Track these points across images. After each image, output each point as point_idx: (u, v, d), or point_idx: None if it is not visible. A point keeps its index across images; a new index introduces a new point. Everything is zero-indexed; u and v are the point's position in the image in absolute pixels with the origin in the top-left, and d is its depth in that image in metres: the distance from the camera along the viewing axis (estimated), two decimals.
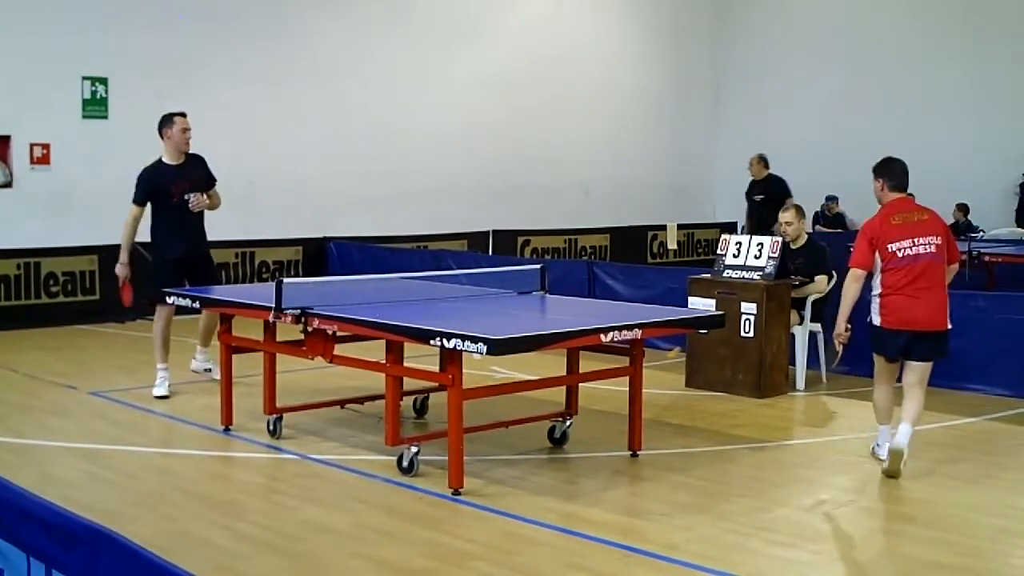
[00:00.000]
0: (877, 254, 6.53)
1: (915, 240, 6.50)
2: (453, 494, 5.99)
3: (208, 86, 13.47)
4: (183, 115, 8.67)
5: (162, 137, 8.64)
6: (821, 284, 9.15)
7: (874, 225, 6.62)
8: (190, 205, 8.57)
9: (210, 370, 8.91)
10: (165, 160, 8.64)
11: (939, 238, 6.58)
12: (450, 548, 5.27)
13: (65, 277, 12.22)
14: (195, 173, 8.68)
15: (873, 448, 6.87)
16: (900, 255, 6.47)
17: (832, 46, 18.90)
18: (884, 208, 6.67)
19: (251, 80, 13.87)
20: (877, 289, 6.55)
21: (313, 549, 5.24)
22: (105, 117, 12.74)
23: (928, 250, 6.49)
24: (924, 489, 6.40)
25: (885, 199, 6.69)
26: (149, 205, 8.62)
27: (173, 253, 8.53)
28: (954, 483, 6.53)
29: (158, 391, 8.46)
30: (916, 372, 6.62)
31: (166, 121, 8.63)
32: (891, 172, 6.69)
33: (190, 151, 8.67)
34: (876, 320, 6.53)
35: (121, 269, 8.61)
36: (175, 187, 8.57)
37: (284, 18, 14.30)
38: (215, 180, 8.88)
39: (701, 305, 8.68)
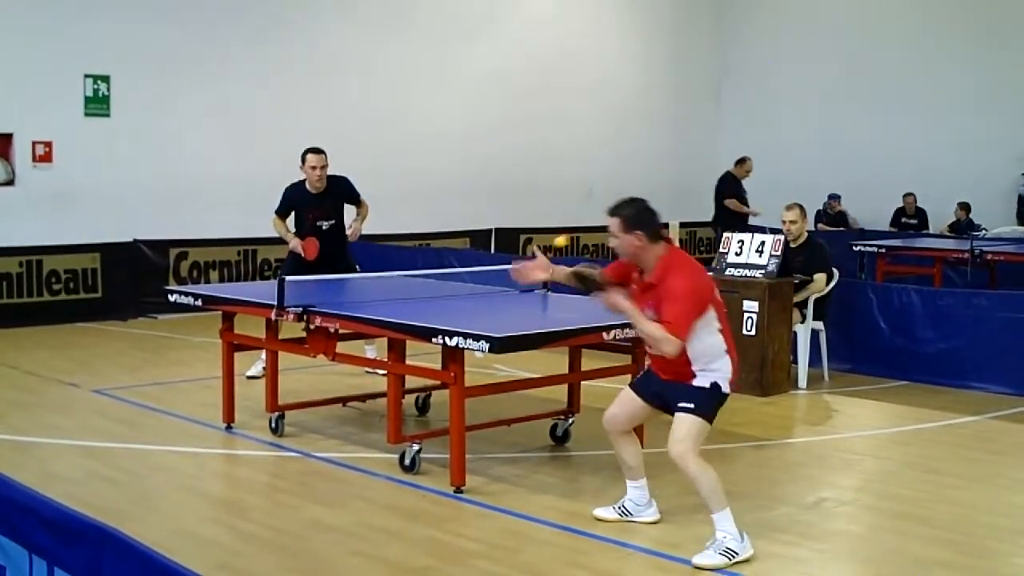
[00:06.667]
0: (711, 309, 5.15)
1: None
2: (455, 492, 5.99)
3: (210, 84, 13.47)
4: (317, 152, 8.77)
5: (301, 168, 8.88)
6: (820, 283, 9.14)
7: (703, 278, 5.26)
8: (349, 238, 9.02)
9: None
10: (307, 185, 8.86)
11: None
12: (452, 546, 5.27)
13: (67, 275, 12.22)
14: (331, 201, 8.91)
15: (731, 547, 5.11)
16: (722, 301, 5.32)
17: (833, 44, 18.88)
18: (675, 256, 5.22)
19: (253, 79, 13.86)
20: (718, 349, 5.18)
21: (315, 547, 5.24)
22: (107, 115, 12.73)
23: None
24: (926, 488, 6.40)
25: (653, 254, 5.16)
26: (292, 218, 8.98)
27: (303, 270, 8.54)
28: (956, 482, 6.54)
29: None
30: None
31: (302, 157, 8.82)
32: (649, 220, 5.20)
33: (330, 176, 8.84)
34: (727, 387, 5.22)
35: (293, 242, 8.83)
36: (309, 214, 8.88)
37: (287, 17, 14.29)
38: (359, 197, 9.08)
39: None
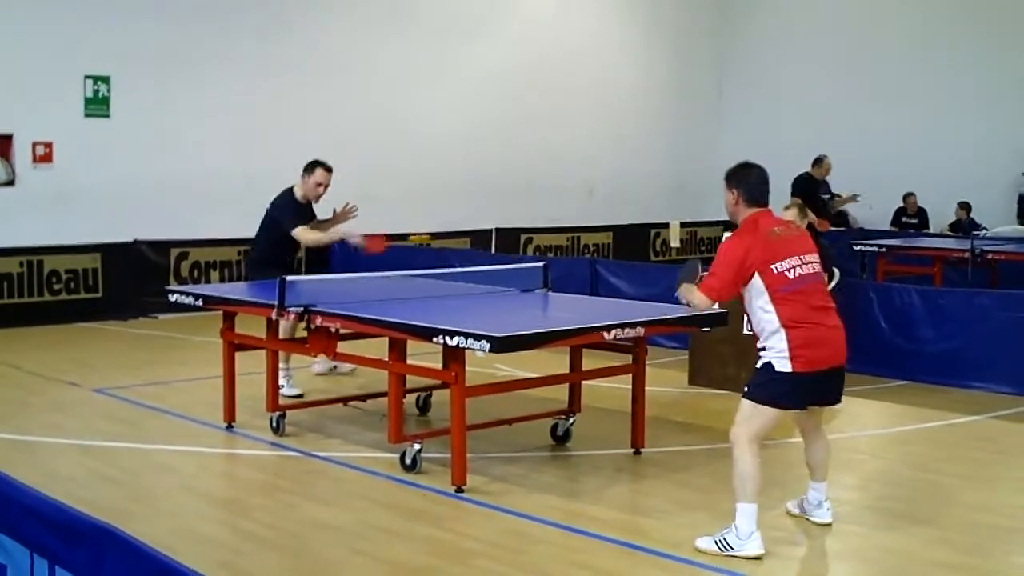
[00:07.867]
0: (758, 278, 5.12)
1: (801, 258, 5.23)
2: (456, 491, 5.99)
3: (210, 84, 13.47)
4: (329, 170, 8.52)
5: (303, 175, 8.55)
6: None
7: (751, 244, 5.16)
8: (361, 247, 8.66)
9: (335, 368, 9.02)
10: (296, 195, 8.54)
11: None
12: (453, 546, 5.27)
13: (68, 275, 12.22)
14: (311, 215, 8.69)
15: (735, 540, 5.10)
16: (791, 277, 5.15)
17: (834, 43, 18.87)
18: (749, 222, 5.26)
19: (254, 78, 13.86)
20: (770, 325, 5.12)
21: (316, 546, 5.24)
22: (107, 116, 12.73)
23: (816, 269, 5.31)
24: (926, 487, 6.40)
25: (739, 216, 5.31)
26: (266, 225, 8.60)
27: (265, 274, 8.19)
28: (957, 481, 6.53)
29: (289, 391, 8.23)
30: (819, 416, 5.65)
31: (309, 167, 8.51)
32: (745, 181, 5.30)
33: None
34: (784, 366, 5.07)
35: (356, 239, 8.54)
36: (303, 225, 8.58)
37: (287, 16, 14.29)
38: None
39: None
